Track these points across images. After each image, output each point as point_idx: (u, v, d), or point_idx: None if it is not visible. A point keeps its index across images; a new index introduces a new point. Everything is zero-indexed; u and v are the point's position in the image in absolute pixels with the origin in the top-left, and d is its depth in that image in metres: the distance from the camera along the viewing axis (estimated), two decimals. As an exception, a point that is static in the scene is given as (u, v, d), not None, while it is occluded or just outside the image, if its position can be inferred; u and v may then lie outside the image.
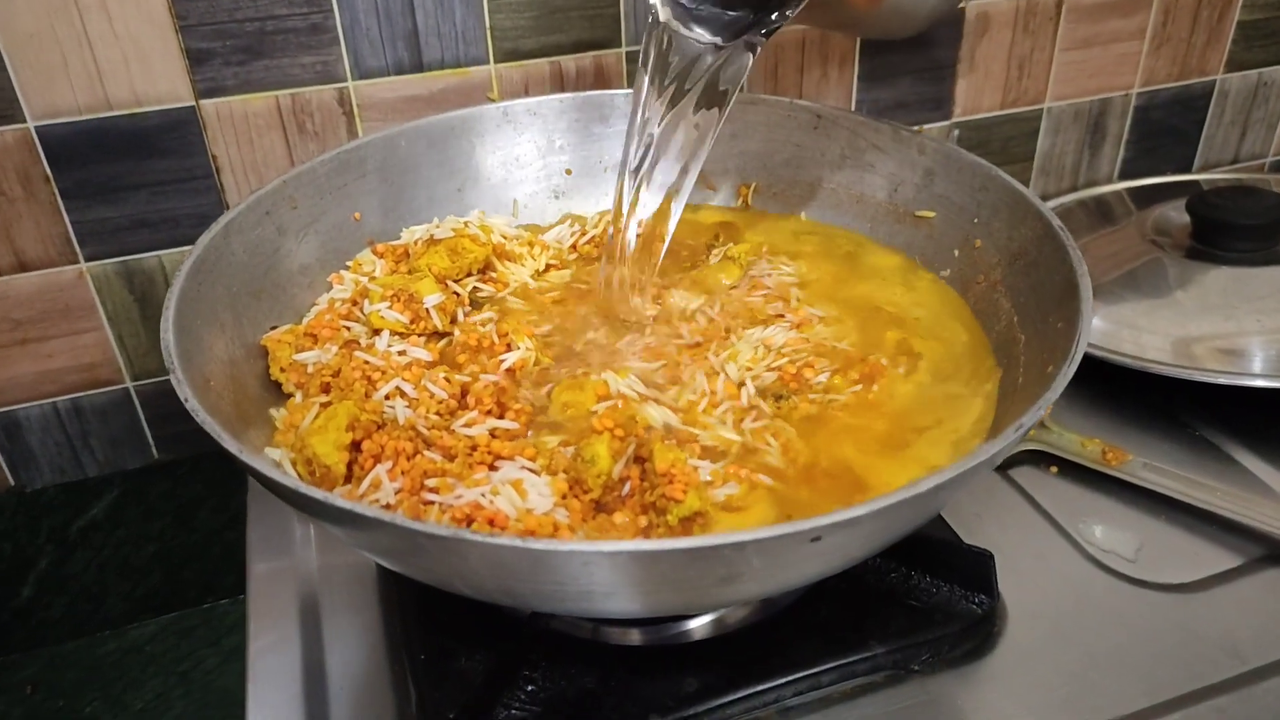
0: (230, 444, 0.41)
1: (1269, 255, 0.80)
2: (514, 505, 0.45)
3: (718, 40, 0.57)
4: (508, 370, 0.56)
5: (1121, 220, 0.93)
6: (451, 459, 0.48)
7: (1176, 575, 0.59)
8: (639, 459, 0.48)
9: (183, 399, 0.44)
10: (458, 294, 0.63)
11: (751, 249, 0.68)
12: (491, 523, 0.44)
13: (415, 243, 0.66)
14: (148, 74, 0.69)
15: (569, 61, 0.79)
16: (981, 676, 0.53)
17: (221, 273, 0.57)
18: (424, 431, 0.50)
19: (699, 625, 0.54)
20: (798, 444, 0.52)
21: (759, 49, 0.57)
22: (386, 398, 0.53)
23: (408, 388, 0.53)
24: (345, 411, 0.49)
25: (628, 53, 0.80)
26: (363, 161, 0.67)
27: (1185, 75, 0.99)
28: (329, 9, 0.71)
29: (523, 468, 0.47)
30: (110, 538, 0.84)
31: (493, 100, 0.78)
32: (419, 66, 0.76)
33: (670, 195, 0.61)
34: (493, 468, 0.48)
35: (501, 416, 0.52)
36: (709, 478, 0.48)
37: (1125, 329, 0.75)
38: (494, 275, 0.66)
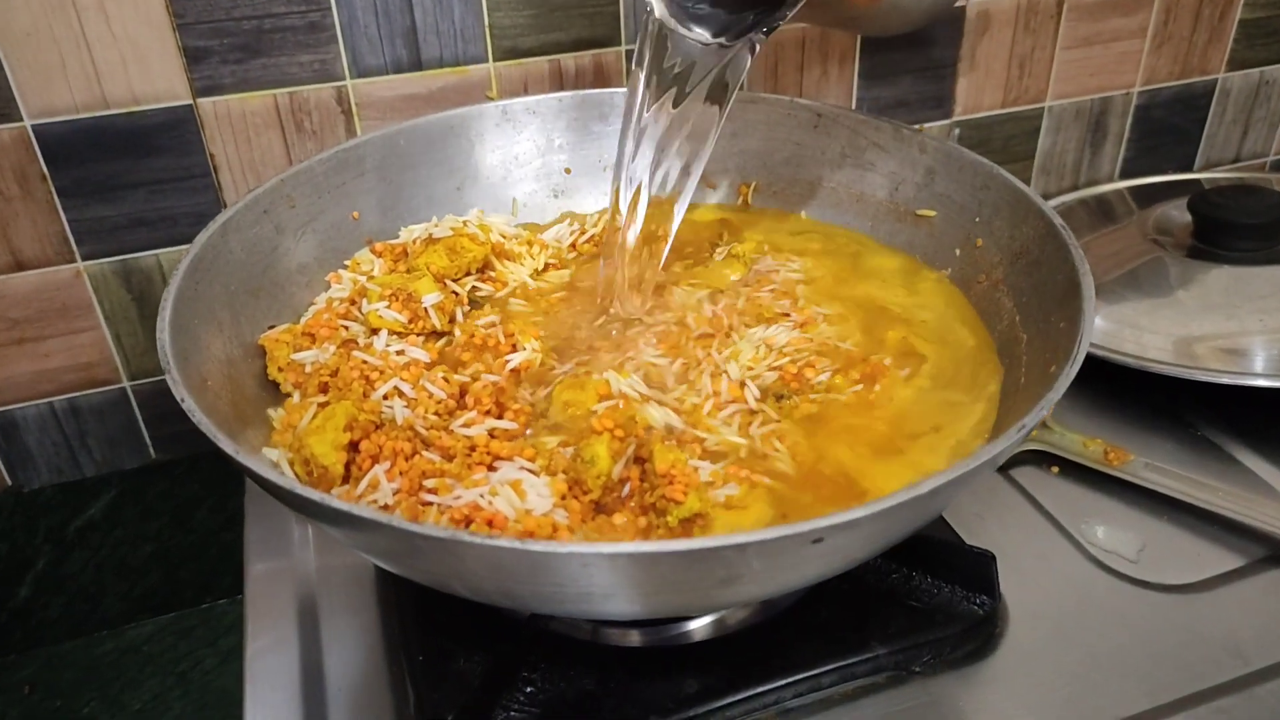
0: (226, 444, 0.41)
1: (1271, 254, 0.80)
2: (513, 506, 0.44)
3: (717, 40, 0.56)
4: (511, 370, 0.56)
5: (1123, 219, 0.92)
6: (450, 459, 0.48)
7: (1179, 576, 0.59)
8: (639, 460, 0.48)
9: (179, 399, 0.44)
10: (456, 293, 0.62)
11: (755, 247, 0.68)
12: (490, 524, 0.44)
13: (414, 242, 0.65)
14: (145, 72, 0.69)
15: (568, 60, 0.79)
16: (983, 678, 0.53)
17: (219, 272, 0.56)
18: (422, 432, 0.50)
19: (699, 626, 0.54)
20: (803, 445, 0.51)
21: (758, 48, 0.57)
22: (385, 397, 0.52)
23: (406, 387, 0.53)
24: (343, 411, 0.49)
25: (627, 51, 0.80)
26: (361, 160, 0.67)
27: (1187, 74, 0.99)
28: (327, 7, 0.71)
29: (522, 468, 0.47)
30: (108, 538, 0.84)
31: (492, 99, 0.77)
32: (417, 65, 0.75)
33: (673, 195, 0.60)
34: (491, 468, 0.48)
35: (500, 417, 0.52)
36: (709, 478, 0.48)
37: (1127, 328, 0.75)
38: (493, 274, 0.65)
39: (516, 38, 0.77)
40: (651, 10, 0.56)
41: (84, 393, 0.78)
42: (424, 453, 0.49)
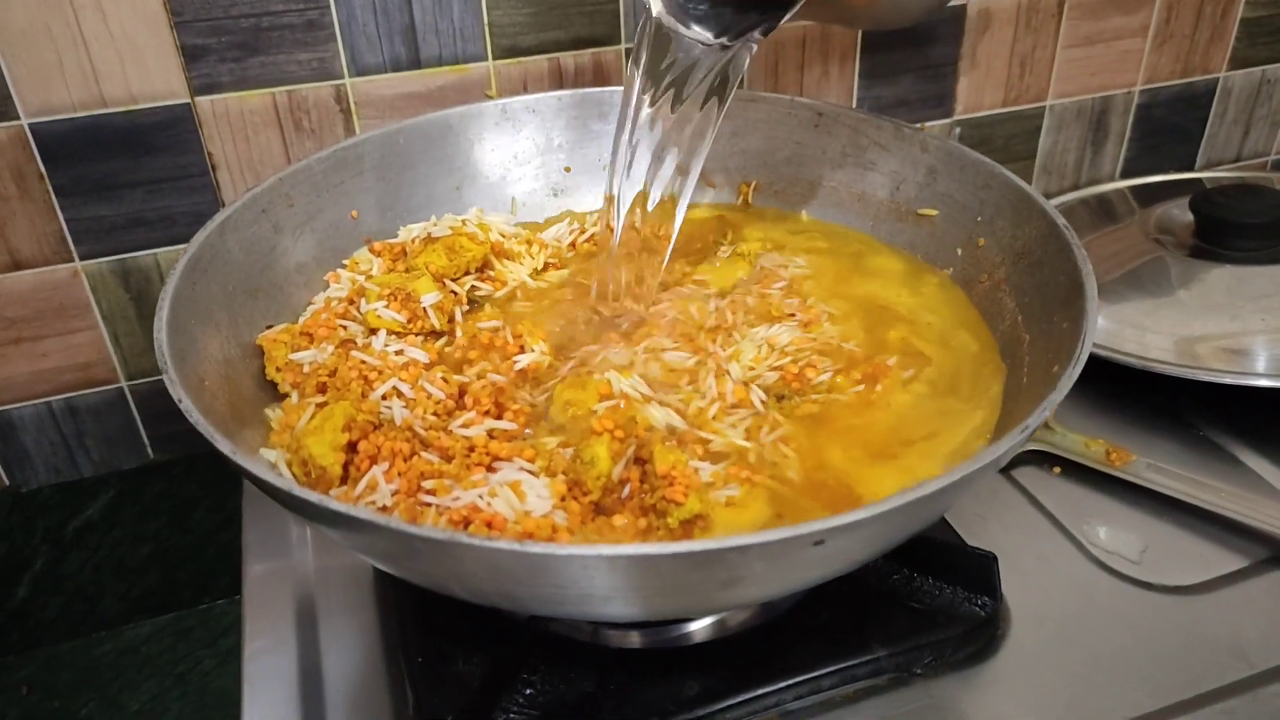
0: (223, 445, 0.41)
1: (1273, 254, 0.80)
2: (512, 507, 0.44)
3: (717, 40, 0.56)
4: (519, 371, 0.55)
5: (1124, 219, 0.92)
6: (449, 460, 0.48)
7: (1181, 577, 0.58)
8: (639, 460, 0.48)
9: (176, 400, 0.44)
10: (455, 293, 0.62)
11: (760, 245, 0.68)
12: (489, 525, 0.43)
13: (413, 241, 0.65)
14: (143, 71, 0.69)
15: (568, 58, 0.79)
16: (985, 680, 0.53)
17: (217, 271, 0.56)
18: (421, 432, 0.50)
19: (699, 628, 0.53)
20: (805, 447, 0.51)
21: (755, 46, 0.57)
22: (383, 398, 0.52)
23: (405, 388, 0.52)
24: (341, 412, 0.49)
25: (627, 49, 0.80)
26: (360, 159, 0.67)
27: (1188, 73, 0.99)
28: (325, 5, 0.71)
29: (521, 469, 0.47)
30: (106, 538, 0.84)
31: (491, 97, 0.77)
32: (416, 63, 0.75)
33: (673, 195, 0.60)
34: (491, 469, 0.47)
35: (500, 417, 0.51)
36: (710, 480, 0.48)
37: (1128, 328, 0.75)
38: (492, 274, 0.65)
39: (516, 36, 0.77)
40: (651, 11, 0.56)
41: (81, 393, 0.78)
42: (423, 453, 0.48)
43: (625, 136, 0.59)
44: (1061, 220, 0.55)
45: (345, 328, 0.58)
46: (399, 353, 0.56)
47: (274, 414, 0.54)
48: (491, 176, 0.73)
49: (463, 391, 0.53)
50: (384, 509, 0.45)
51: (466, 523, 0.44)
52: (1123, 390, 0.72)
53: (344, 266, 0.65)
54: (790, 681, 0.51)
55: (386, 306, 0.59)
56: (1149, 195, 0.95)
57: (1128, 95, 0.98)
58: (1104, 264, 0.82)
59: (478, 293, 0.64)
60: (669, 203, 0.61)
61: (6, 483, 0.80)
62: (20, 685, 0.83)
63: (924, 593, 0.55)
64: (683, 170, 0.59)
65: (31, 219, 0.71)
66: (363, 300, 0.60)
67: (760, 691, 0.51)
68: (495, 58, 0.77)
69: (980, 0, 0.87)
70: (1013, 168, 0.62)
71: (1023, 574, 0.58)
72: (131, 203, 0.72)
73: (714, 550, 0.35)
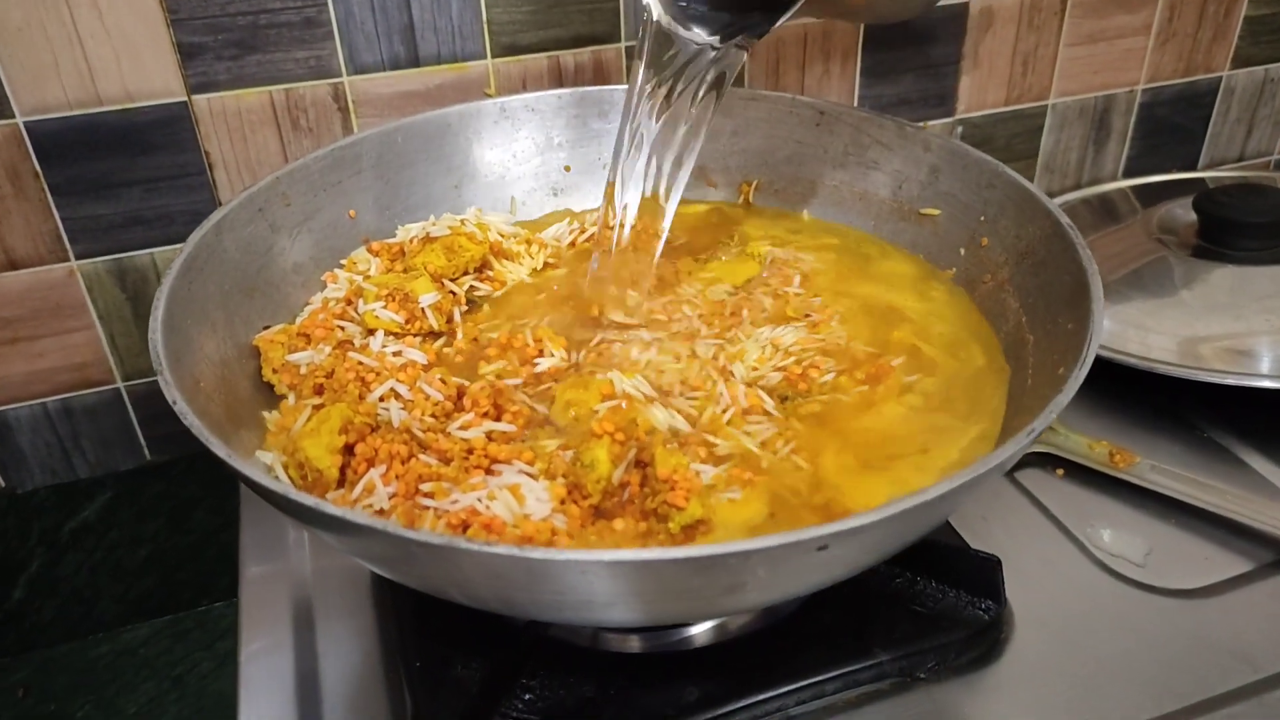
0: (218, 448, 0.40)
1: (1276, 254, 0.80)
2: (511, 510, 0.44)
3: (714, 40, 0.56)
4: (538, 374, 0.55)
5: (1126, 218, 0.92)
6: (447, 463, 0.47)
7: (1186, 580, 0.58)
8: (640, 463, 0.47)
9: (170, 401, 0.43)
10: (454, 293, 0.62)
11: (771, 242, 0.67)
12: (488, 528, 0.43)
13: (411, 241, 0.64)
14: (139, 69, 0.68)
15: (567, 57, 0.78)
16: (988, 684, 0.52)
17: (213, 271, 0.56)
18: (419, 434, 0.49)
19: (700, 632, 0.53)
20: (805, 449, 0.51)
21: (752, 46, 0.56)
22: (381, 399, 0.52)
23: (403, 389, 0.52)
24: (338, 414, 0.48)
25: (627, 48, 0.79)
26: (358, 158, 0.66)
27: (1191, 71, 0.98)
28: (323, 3, 0.70)
29: (520, 472, 0.46)
30: (103, 540, 0.83)
31: (490, 96, 0.76)
32: (415, 61, 0.75)
33: (666, 191, 0.60)
34: (489, 472, 0.47)
35: (499, 419, 0.51)
36: (711, 482, 0.47)
37: (1131, 329, 0.74)
38: (491, 274, 0.65)
39: (515, 34, 0.76)
40: (651, 14, 0.56)
41: (78, 393, 0.78)
42: (420, 456, 0.48)
43: (628, 133, 0.58)
44: (1066, 220, 0.55)
45: (343, 328, 0.58)
46: (397, 354, 0.56)
47: (270, 416, 0.53)
48: (490, 176, 0.72)
49: (461, 393, 0.52)
50: (381, 512, 0.45)
51: (465, 526, 0.43)
52: (1125, 391, 0.72)
53: (341, 266, 0.64)
54: (792, 686, 0.51)
55: (384, 307, 0.58)
56: (1151, 195, 0.95)
57: (1130, 94, 0.97)
58: (1106, 264, 0.82)
59: (476, 293, 0.63)
60: (663, 199, 0.60)
61: (2, 484, 0.79)
62: (16, 688, 0.83)
63: (927, 596, 0.55)
64: (677, 166, 0.59)
65: (27, 218, 0.70)
66: (360, 301, 0.59)
67: (762, 696, 0.50)
68: (494, 56, 0.76)
69: (983, -2, 0.87)
70: (1014, 167, 0.62)
71: (1026, 577, 0.58)
72: (128, 202, 0.72)
73: (716, 556, 0.35)
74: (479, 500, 0.44)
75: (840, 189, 0.71)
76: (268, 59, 0.71)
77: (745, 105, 0.72)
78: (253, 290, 0.59)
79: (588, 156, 0.74)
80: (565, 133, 0.73)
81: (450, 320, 0.60)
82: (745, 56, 0.57)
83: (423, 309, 0.59)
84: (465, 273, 0.63)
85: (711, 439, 0.50)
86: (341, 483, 0.48)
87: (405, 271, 0.62)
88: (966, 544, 0.58)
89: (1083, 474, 0.66)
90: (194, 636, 0.87)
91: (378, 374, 0.53)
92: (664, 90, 0.58)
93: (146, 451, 0.82)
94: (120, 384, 0.78)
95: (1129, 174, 1.02)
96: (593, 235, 0.69)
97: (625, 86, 0.73)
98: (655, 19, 0.56)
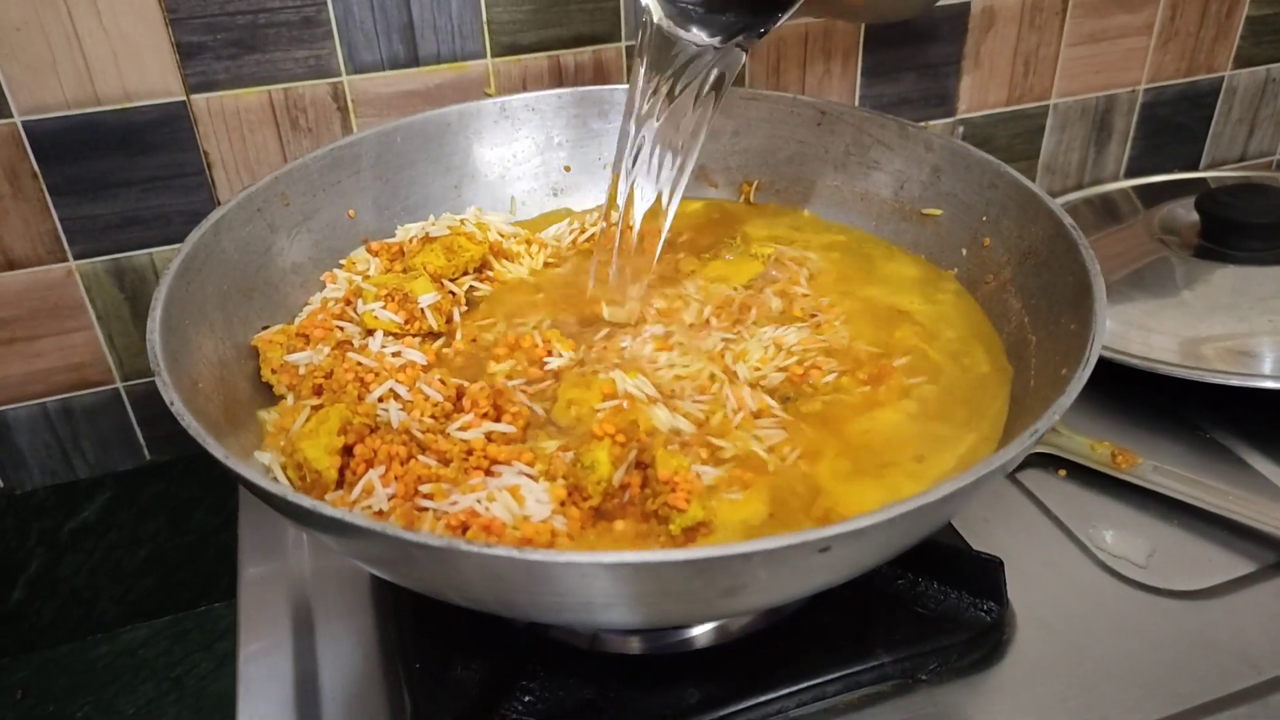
0: (215, 449, 0.40)
1: (1279, 254, 0.79)
2: (510, 512, 0.44)
3: (714, 41, 0.56)
4: (549, 371, 0.55)
5: (1128, 219, 0.91)
6: (446, 464, 0.47)
7: (1189, 582, 0.58)
8: (640, 464, 0.47)
9: (168, 402, 0.43)
10: (454, 293, 0.61)
11: (781, 237, 0.67)
12: (487, 530, 0.43)
13: (410, 241, 0.64)
14: (137, 68, 0.68)
15: (568, 56, 0.78)
16: (990, 686, 0.52)
17: (211, 271, 0.55)
18: (418, 435, 0.49)
19: (701, 633, 0.53)
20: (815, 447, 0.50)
21: (753, 46, 0.56)
22: (380, 400, 0.51)
23: (402, 390, 0.52)
24: (337, 415, 0.48)
25: (628, 47, 0.79)
26: (357, 158, 0.66)
27: (1193, 71, 0.98)
28: (322, 2, 0.70)
29: (520, 473, 0.46)
30: (102, 540, 0.83)
31: (490, 95, 0.76)
32: (415, 61, 0.74)
33: (668, 191, 0.60)
34: (489, 473, 0.47)
35: (498, 419, 0.51)
36: (712, 483, 0.47)
37: (1133, 329, 0.74)
38: (491, 274, 0.64)
39: (515, 33, 0.76)
40: (652, 17, 0.56)
41: (76, 393, 0.77)
42: (420, 457, 0.48)
43: (630, 132, 0.58)
44: (1069, 220, 0.54)
45: (342, 329, 0.58)
46: (396, 354, 0.55)
47: (269, 416, 0.53)
48: (490, 175, 0.72)
49: (460, 394, 0.52)
50: (380, 514, 0.45)
51: (464, 527, 0.43)
52: (1127, 391, 0.71)
53: (341, 267, 0.64)
54: (793, 688, 0.50)
55: (384, 307, 0.58)
56: (1153, 195, 0.94)
57: (1132, 94, 0.97)
58: (1108, 264, 0.82)
59: (476, 293, 0.63)
60: (664, 199, 0.60)
61: (1, 485, 0.79)
62: (16, 689, 0.83)
63: (929, 597, 0.55)
64: (678, 166, 0.59)
65: (25, 218, 0.70)
66: (359, 301, 0.59)
67: (763, 698, 0.50)
68: (494, 55, 0.76)
69: (984, -2, 0.86)
70: (1016, 167, 0.61)
71: (1028, 578, 0.57)
72: (126, 202, 0.72)
73: (717, 558, 0.35)
74: (478, 501, 0.44)
75: (841, 189, 0.71)
76: (267, 58, 0.71)
77: (746, 105, 0.72)
78: (251, 290, 0.58)
79: (588, 156, 0.74)
80: (565, 132, 0.73)
81: (450, 321, 0.60)
82: (746, 57, 0.57)
83: (422, 309, 0.59)
84: (465, 273, 0.63)
85: (718, 442, 0.50)
86: (340, 484, 0.48)
87: (404, 272, 0.62)
88: (968, 545, 0.58)
89: (1085, 475, 0.65)
90: (193, 637, 0.87)
91: (377, 374, 0.53)
92: (665, 91, 0.57)
93: (146, 452, 0.82)
94: (119, 384, 0.78)
95: (1131, 174, 1.02)
96: (593, 235, 0.69)
97: (625, 86, 0.73)
98: (655, 21, 0.56)
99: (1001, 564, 0.54)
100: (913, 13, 0.74)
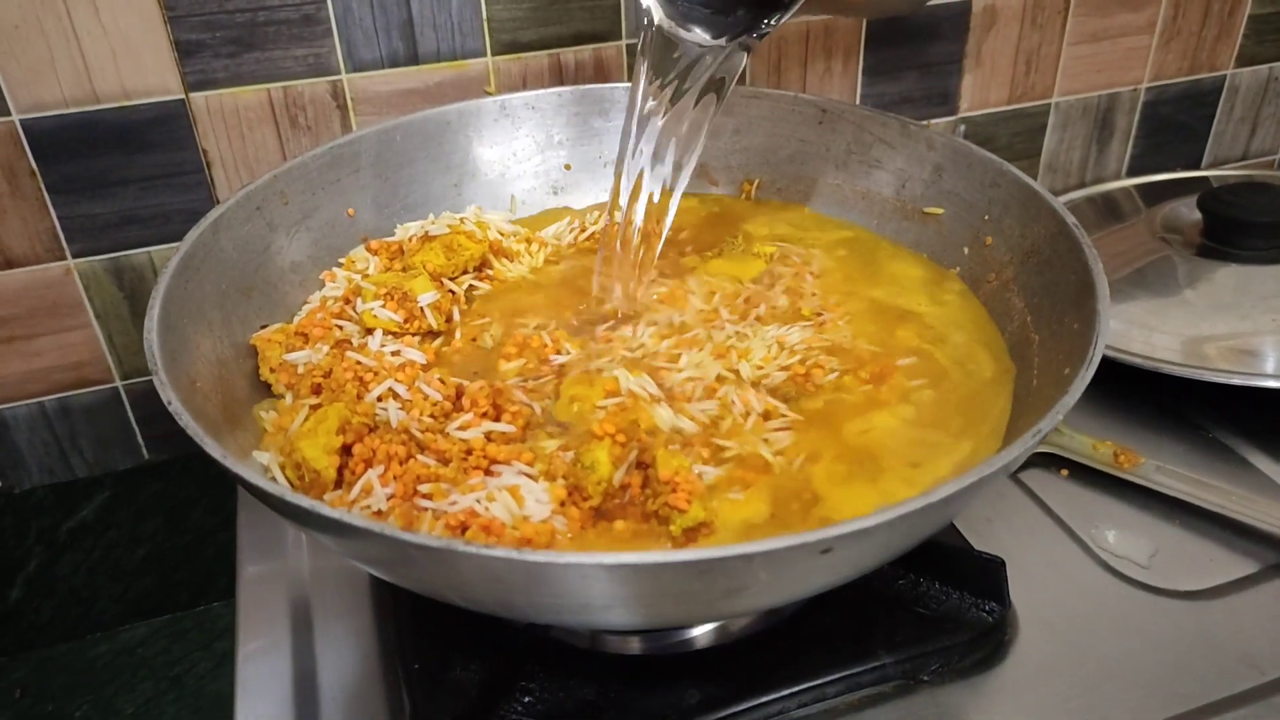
0: (213, 448, 0.40)
1: (1281, 253, 0.79)
2: (510, 512, 0.43)
3: (715, 41, 0.56)
4: (557, 366, 0.55)
5: (1130, 217, 0.91)
6: (446, 463, 0.47)
7: (1191, 582, 0.58)
8: (641, 464, 0.47)
9: (166, 401, 0.43)
10: (453, 292, 0.61)
11: (785, 235, 0.67)
12: (487, 530, 0.42)
13: (410, 239, 0.64)
14: (136, 66, 0.68)
15: (568, 54, 0.78)
16: (992, 687, 0.52)
17: (210, 270, 0.55)
18: (417, 435, 0.49)
19: (702, 634, 0.53)
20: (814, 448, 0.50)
21: (753, 46, 0.56)
22: (379, 399, 0.51)
23: (401, 389, 0.51)
24: (336, 414, 0.48)
25: (628, 45, 0.79)
26: (356, 156, 0.66)
27: (1195, 70, 0.98)
28: (321, 0, 0.70)
29: (520, 473, 0.46)
30: (100, 539, 0.83)
31: (490, 94, 0.76)
32: (414, 59, 0.74)
33: (668, 189, 0.60)
34: (489, 473, 0.46)
35: (498, 419, 0.50)
36: (712, 483, 0.47)
37: (1135, 328, 0.74)
38: (491, 273, 0.64)
39: (515, 31, 0.76)
40: (653, 18, 0.55)
41: (75, 392, 0.77)
42: (419, 456, 0.47)
43: (633, 129, 0.58)
44: (1071, 219, 0.54)
45: (341, 328, 0.57)
46: (395, 353, 0.55)
47: (267, 416, 0.53)
48: (490, 174, 0.72)
49: (460, 393, 0.52)
50: (379, 514, 0.45)
51: (463, 528, 0.43)
52: (1129, 391, 0.71)
53: (340, 265, 0.64)
54: (794, 689, 0.50)
55: (383, 306, 0.58)
56: (1155, 194, 0.94)
57: (1134, 93, 0.97)
58: (1110, 263, 0.81)
59: (476, 292, 0.63)
60: (665, 196, 0.60)
61: (-1, 484, 0.79)
62: (14, 688, 0.82)
63: (930, 598, 0.54)
64: (679, 165, 0.59)
65: (23, 217, 0.70)
66: (359, 300, 0.59)
67: (763, 699, 0.50)
68: (494, 53, 0.76)
69: (986, -4, 0.86)
70: (1017, 166, 0.61)
71: (1030, 579, 0.57)
72: (125, 200, 0.71)
73: (717, 559, 0.34)
74: (478, 501, 0.43)
75: (843, 187, 0.70)
76: (266, 56, 0.70)
77: (747, 103, 0.72)
78: (250, 289, 0.58)
79: (588, 155, 0.73)
80: (565, 131, 0.73)
81: (449, 319, 0.60)
82: (747, 57, 0.57)
83: (421, 308, 0.58)
84: (465, 271, 0.63)
85: (723, 442, 0.50)
86: (339, 484, 0.47)
87: (404, 270, 0.62)
88: (970, 545, 0.58)
89: (1087, 474, 0.65)
90: (192, 636, 0.87)
91: (376, 373, 0.53)
92: (667, 90, 0.57)
93: (144, 451, 0.81)
94: (118, 383, 0.78)
95: (1132, 173, 1.01)
96: (594, 234, 0.69)
97: (626, 84, 0.73)
98: (656, 22, 0.56)
99: (1003, 564, 0.54)
100: (913, 8, 0.74)
